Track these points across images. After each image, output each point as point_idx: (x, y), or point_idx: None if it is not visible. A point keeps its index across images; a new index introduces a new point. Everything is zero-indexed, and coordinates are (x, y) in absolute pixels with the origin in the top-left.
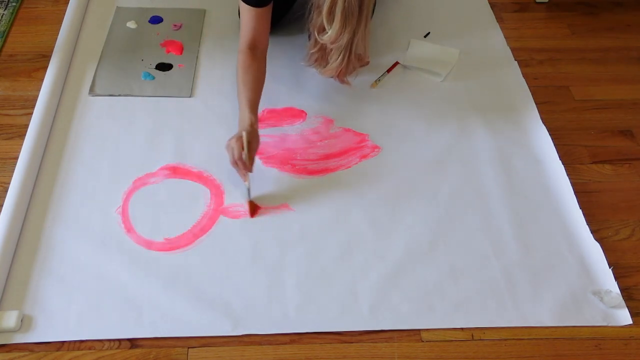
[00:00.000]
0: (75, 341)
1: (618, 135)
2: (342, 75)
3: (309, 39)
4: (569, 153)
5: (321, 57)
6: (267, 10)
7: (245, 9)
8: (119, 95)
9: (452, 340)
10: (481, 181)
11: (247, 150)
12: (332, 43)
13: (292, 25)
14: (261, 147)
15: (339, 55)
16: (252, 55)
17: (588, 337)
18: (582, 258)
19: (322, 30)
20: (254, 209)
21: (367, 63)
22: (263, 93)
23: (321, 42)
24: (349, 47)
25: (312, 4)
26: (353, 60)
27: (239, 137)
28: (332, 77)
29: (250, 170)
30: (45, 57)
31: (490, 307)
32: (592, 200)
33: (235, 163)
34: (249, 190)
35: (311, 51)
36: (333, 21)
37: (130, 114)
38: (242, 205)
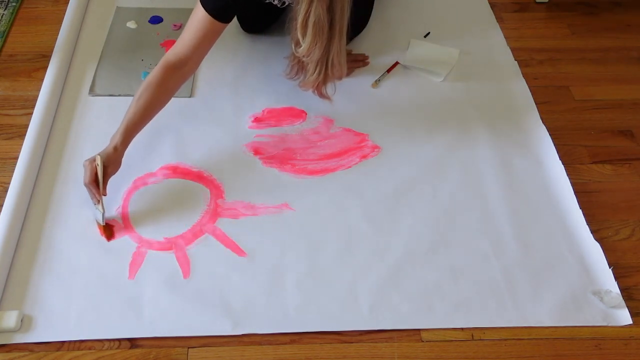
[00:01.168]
0: (75, 341)
1: (618, 135)
2: (319, 89)
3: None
4: (569, 153)
5: (300, 69)
6: (221, 28)
7: (201, 17)
8: (119, 95)
9: (452, 340)
10: (481, 181)
11: (102, 175)
12: (305, 56)
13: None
14: (261, 147)
15: (315, 69)
16: (172, 74)
17: (588, 337)
18: (582, 258)
19: (297, 43)
20: (109, 232)
21: (344, 76)
22: (263, 93)
23: (296, 54)
24: (325, 62)
25: (290, 17)
26: (330, 74)
27: (92, 161)
28: (311, 90)
29: (103, 194)
30: (45, 57)
31: (490, 307)
32: (592, 200)
33: (88, 184)
34: (102, 214)
35: (291, 64)
36: (305, 35)
37: None
38: (241, 204)
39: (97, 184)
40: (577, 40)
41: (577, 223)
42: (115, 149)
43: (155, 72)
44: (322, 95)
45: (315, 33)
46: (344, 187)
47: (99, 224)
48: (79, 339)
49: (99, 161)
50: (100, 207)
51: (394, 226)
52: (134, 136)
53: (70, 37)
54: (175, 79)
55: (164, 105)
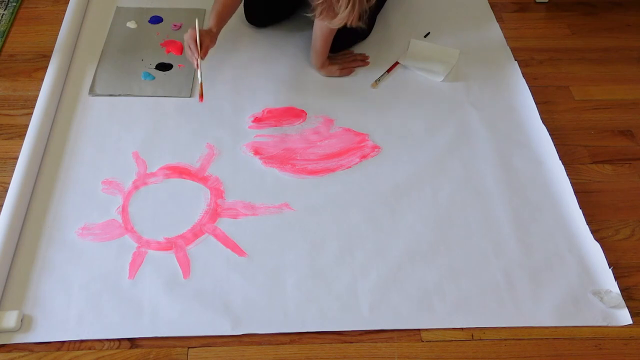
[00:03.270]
0: (75, 341)
1: (618, 135)
2: (354, 22)
3: None
4: (569, 153)
5: (328, 7)
6: None
7: None
8: (119, 95)
9: (452, 340)
10: (481, 181)
11: (199, 41)
12: None
13: (292, 25)
14: (261, 147)
15: (348, 3)
16: None
17: (588, 337)
18: (582, 258)
19: None
20: (202, 91)
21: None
22: (263, 92)
23: None
24: None
25: None
26: (362, 1)
27: (194, 27)
28: (331, 73)
29: (202, 57)
30: (45, 57)
31: (490, 307)
32: (592, 200)
33: (187, 47)
34: (200, 74)
35: (316, 2)
36: None
37: (130, 114)
38: (241, 204)
39: (197, 45)
40: (577, 40)
41: (577, 223)
42: (211, 30)
43: None
44: (359, 22)
45: None
46: (344, 187)
47: (199, 82)
48: (79, 339)
49: (196, 23)
50: (199, 69)
51: (394, 226)
52: (224, 23)
53: (70, 37)
54: None
55: (239, 4)
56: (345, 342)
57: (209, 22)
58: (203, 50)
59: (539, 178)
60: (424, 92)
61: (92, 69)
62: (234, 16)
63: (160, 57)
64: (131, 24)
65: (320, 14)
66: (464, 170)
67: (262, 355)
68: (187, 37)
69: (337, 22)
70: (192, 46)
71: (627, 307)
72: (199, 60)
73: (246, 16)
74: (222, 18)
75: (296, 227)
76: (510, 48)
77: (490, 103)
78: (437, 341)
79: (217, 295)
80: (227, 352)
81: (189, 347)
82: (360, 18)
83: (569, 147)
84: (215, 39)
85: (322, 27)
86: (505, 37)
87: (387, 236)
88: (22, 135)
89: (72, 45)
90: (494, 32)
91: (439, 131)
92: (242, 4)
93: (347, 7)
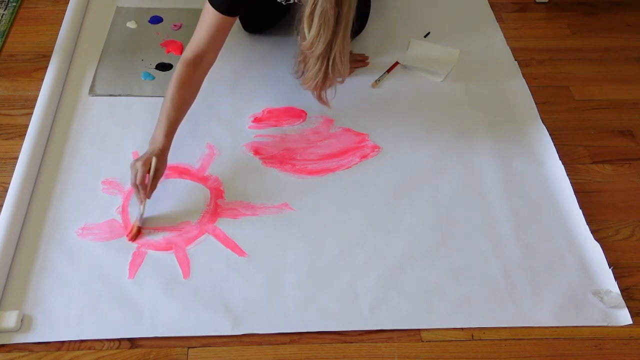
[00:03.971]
0: (75, 341)
1: (618, 135)
2: (318, 90)
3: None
4: (569, 153)
5: (306, 67)
6: (231, 22)
7: (210, 14)
8: (119, 95)
9: (452, 340)
10: (481, 181)
11: (152, 177)
12: (308, 49)
13: (292, 25)
14: (261, 147)
15: (316, 64)
16: (194, 70)
17: (588, 337)
18: (582, 258)
19: (303, 36)
20: (137, 233)
21: (344, 78)
22: (263, 92)
23: (300, 48)
24: (326, 59)
25: (298, 14)
26: (330, 75)
27: (147, 161)
28: (310, 90)
29: (148, 197)
30: (45, 57)
31: (490, 307)
32: (592, 200)
33: (135, 186)
34: (141, 214)
35: (297, 61)
36: (311, 26)
37: (130, 114)
38: (241, 204)
39: (146, 185)
40: (577, 40)
41: (577, 223)
42: (163, 150)
43: (177, 71)
44: (320, 99)
45: (320, 25)
46: (344, 187)
47: (134, 224)
48: (79, 339)
49: (153, 163)
50: (142, 207)
51: (394, 226)
52: (174, 134)
53: (70, 37)
54: (197, 75)
55: (194, 99)
56: (345, 342)
57: (158, 135)
58: (152, 186)
59: (539, 178)
60: (424, 92)
61: (92, 69)
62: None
63: (160, 57)
64: (131, 24)
65: (302, 73)
66: (464, 170)
67: (262, 355)
68: (138, 173)
69: (304, 83)
70: (142, 188)
71: (627, 307)
72: (145, 201)
73: (243, 26)
74: (175, 127)
75: (296, 227)
76: (510, 48)
77: (490, 103)
78: (437, 341)
79: (217, 295)
80: (227, 352)
81: (189, 347)
82: (326, 88)
83: (569, 147)
84: (166, 159)
85: None
86: (505, 37)
87: (387, 236)
88: (22, 135)
89: (72, 45)
90: (494, 32)
91: (439, 131)
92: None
93: (313, 69)
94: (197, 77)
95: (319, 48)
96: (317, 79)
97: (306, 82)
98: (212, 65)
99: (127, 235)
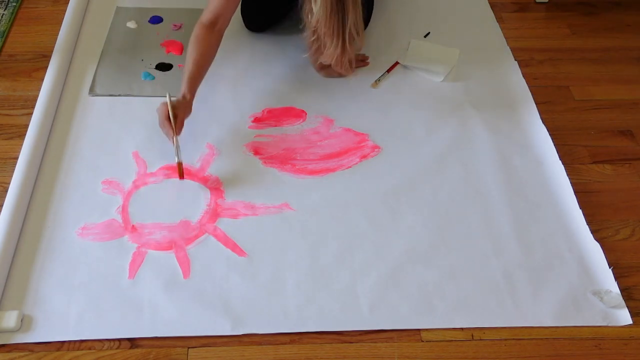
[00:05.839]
0: (75, 341)
1: (618, 135)
2: (339, 65)
3: (305, 30)
4: (569, 153)
5: (319, 46)
6: None
7: None
8: (119, 95)
9: (452, 340)
10: (481, 181)
11: (173, 116)
12: (318, 23)
13: (292, 25)
14: (261, 147)
15: (332, 41)
16: (209, 31)
17: (588, 337)
18: (582, 258)
19: (310, 11)
20: (182, 171)
21: (366, 63)
22: (263, 92)
23: (310, 26)
24: (341, 32)
25: None
26: (348, 47)
27: (165, 102)
28: (330, 74)
29: (177, 134)
30: (45, 57)
31: (490, 307)
32: (592, 200)
33: (162, 124)
34: (176, 151)
35: (310, 40)
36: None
37: (130, 114)
38: (241, 204)
39: (170, 122)
40: (577, 40)
41: (577, 223)
42: (184, 97)
43: (194, 32)
44: (343, 69)
45: None
46: (344, 187)
47: (176, 162)
48: (79, 339)
49: (167, 99)
50: (174, 144)
51: (394, 226)
52: (198, 84)
53: (70, 37)
54: (212, 36)
55: (212, 58)
56: (345, 342)
57: (181, 87)
58: (178, 125)
59: (539, 178)
60: (424, 92)
61: (92, 69)
62: (233, 18)
63: (160, 57)
64: (131, 24)
65: (316, 51)
66: (464, 170)
67: (262, 355)
68: (159, 113)
69: (325, 58)
70: (166, 124)
71: (627, 307)
72: (175, 138)
73: (245, 23)
74: (196, 80)
75: (296, 227)
76: (510, 48)
77: (490, 103)
78: (437, 341)
79: (217, 295)
80: (227, 352)
81: (189, 347)
82: (347, 61)
83: (569, 147)
84: (191, 105)
85: None
86: (505, 37)
87: (387, 236)
88: (22, 135)
89: (72, 45)
90: (494, 32)
91: (439, 131)
92: (237, 15)
93: (331, 45)
94: (212, 39)
95: (330, 24)
96: (337, 54)
97: (326, 58)
98: (225, 28)
99: (179, 177)
